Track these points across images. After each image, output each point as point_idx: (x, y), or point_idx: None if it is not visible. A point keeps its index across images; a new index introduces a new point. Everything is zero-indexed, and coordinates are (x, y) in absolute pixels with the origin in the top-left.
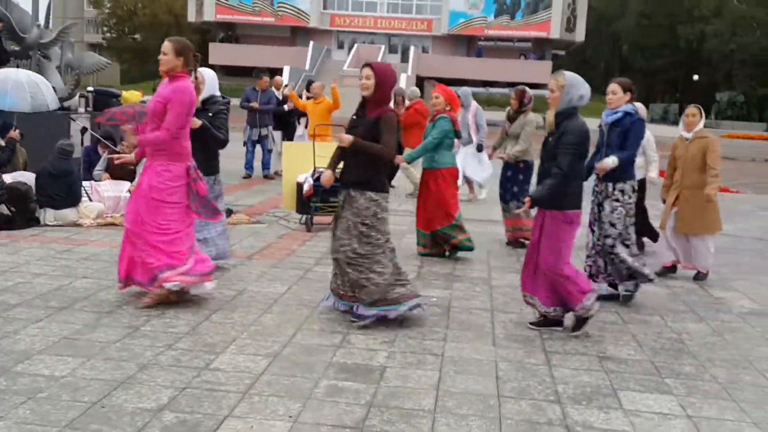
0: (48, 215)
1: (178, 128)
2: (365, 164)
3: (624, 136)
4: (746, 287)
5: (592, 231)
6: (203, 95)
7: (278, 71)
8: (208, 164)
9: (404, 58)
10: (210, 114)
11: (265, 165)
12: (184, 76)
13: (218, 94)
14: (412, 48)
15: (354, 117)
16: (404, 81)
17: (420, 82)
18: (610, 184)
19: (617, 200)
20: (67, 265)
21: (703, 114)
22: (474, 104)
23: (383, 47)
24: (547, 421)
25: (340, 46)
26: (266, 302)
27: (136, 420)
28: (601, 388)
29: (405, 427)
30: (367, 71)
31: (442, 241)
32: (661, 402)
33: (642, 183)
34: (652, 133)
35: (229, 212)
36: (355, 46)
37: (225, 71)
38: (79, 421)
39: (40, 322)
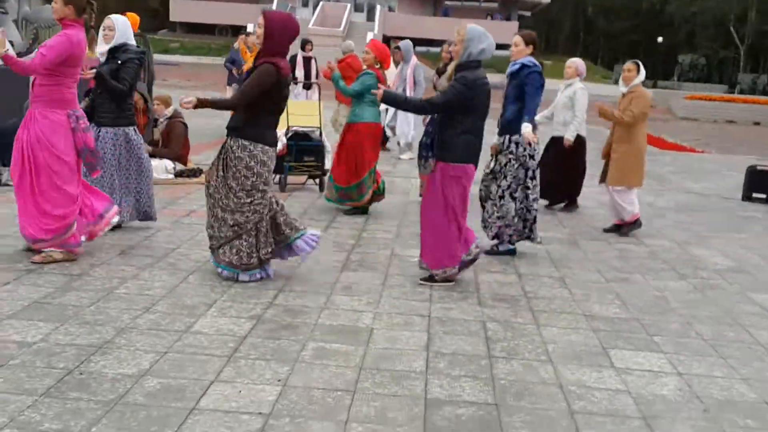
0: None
1: (46, 66)
2: (245, 112)
3: (519, 88)
4: (720, 245)
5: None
6: (114, 42)
7: (241, 29)
8: (121, 115)
9: (370, 17)
10: (119, 62)
11: None
12: (74, 26)
13: (132, 42)
14: (378, 7)
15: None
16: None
17: (386, 41)
18: (507, 137)
19: (511, 152)
20: None
21: (642, 70)
22: (414, 60)
23: (349, 5)
24: (540, 380)
25: (305, 4)
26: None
27: (117, 386)
28: (590, 347)
29: (398, 389)
30: (260, 20)
31: (347, 198)
32: (651, 360)
33: (581, 140)
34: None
35: (199, 172)
36: (320, 4)
37: (186, 28)
38: (56, 389)
39: (7, 285)
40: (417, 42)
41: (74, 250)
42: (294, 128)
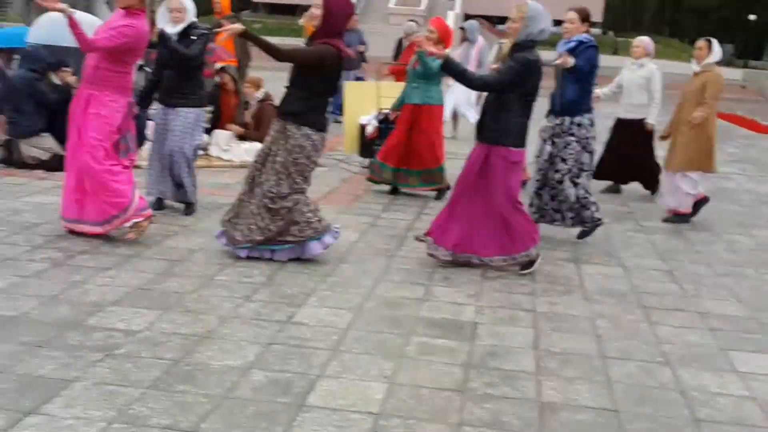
0: None
1: (107, 51)
2: (303, 97)
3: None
4: None
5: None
6: (185, 23)
7: None
8: (196, 95)
9: None
10: (194, 37)
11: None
12: (139, 14)
13: (195, 20)
14: None
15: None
16: (452, 19)
17: (468, 20)
18: (567, 119)
19: (572, 134)
20: None
21: (715, 48)
22: (480, 40)
23: None
24: (659, 384)
25: None
26: (340, 251)
27: (224, 379)
28: (709, 348)
29: (509, 390)
30: (318, 0)
31: (431, 181)
32: None
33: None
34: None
35: None
36: None
37: (269, 9)
38: (163, 381)
39: (109, 271)
40: (499, 20)
41: (147, 213)
42: (385, 111)
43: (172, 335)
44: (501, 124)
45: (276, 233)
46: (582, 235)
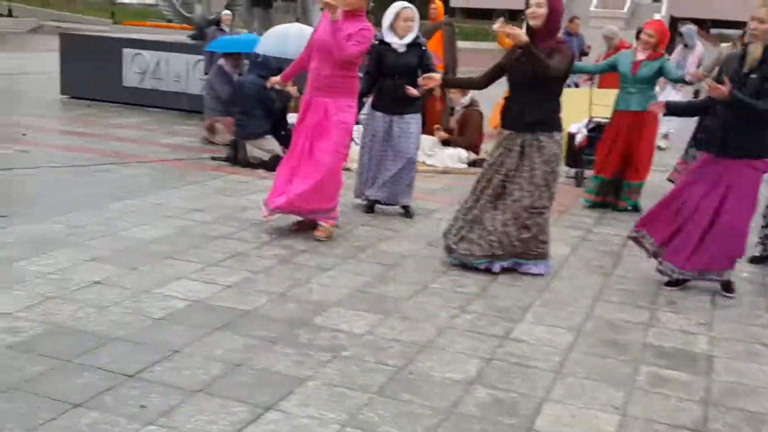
0: None
1: (358, 53)
2: (544, 103)
3: None
4: None
5: None
6: (416, 32)
7: (520, 12)
8: (418, 103)
9: None
10: (423, 48)
11: None
12: (363, 16)
13: None
14: None
15: (518, 50)
16: None
17: (673, 23)
18: None
19: None
20: (344, 211)
21: None
22: (699, 45)
23: None
24: None
25: None
26: (552, 264)
27: (447, 393)
28: None
29: None
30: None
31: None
32: None
33: None
34: None
35: None
36: None
37: (465, 13)
38: (389, 388)
39: (329, 271)
40: (713, 24)
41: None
42: (596, 119)
43: (392, 341)
44: (760, 136)
45: (519, 249)
46: (755, 260)
